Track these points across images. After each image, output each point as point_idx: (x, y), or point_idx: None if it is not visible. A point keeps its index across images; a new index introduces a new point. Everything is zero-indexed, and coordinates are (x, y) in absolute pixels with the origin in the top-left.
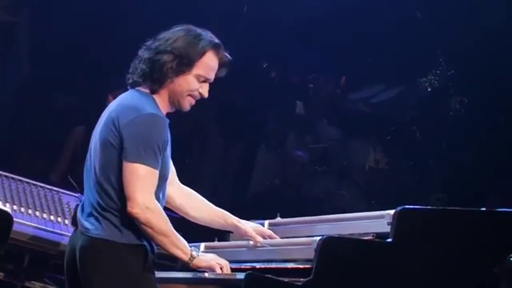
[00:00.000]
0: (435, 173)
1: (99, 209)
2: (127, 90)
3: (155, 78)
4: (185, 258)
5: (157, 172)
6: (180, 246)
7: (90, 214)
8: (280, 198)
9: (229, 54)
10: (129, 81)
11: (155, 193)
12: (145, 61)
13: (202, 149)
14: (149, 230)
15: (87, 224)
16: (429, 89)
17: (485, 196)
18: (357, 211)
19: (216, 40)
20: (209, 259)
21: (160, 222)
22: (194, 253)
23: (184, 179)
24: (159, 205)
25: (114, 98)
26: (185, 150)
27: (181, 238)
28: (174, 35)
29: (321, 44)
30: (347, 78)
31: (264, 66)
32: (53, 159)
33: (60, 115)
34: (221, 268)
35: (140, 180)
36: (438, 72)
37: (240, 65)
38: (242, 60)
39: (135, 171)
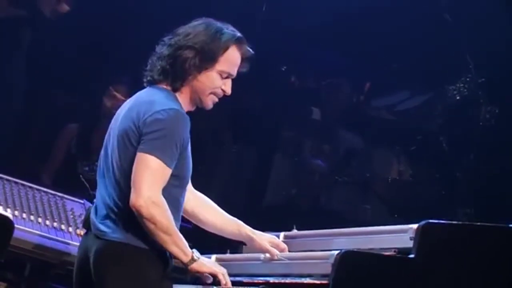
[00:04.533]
0: (463, 187)
1: (116, 211)
2: (129, 84)
3: (177, 75)
4: (186, 259)
5: (169, 170)
6: (181, 247)
7: (106, 216)
8: (296, 209)
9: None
10: (148, 79)
11: (176, 196)
12: (165, 58)
13: (215, 155)
14: (151, 226)
15: (103, 227)
16: (457, 97)
17: None
18: (378, 225)
19: (239, 34)
20: (211, 265)
21: (164, 219)
22: (195, 255)
23: (195, 186)
24: (165, 201)
25: (117, 91)
26: (196, 156)
27: (183, 238)
28: (194, 29)
29: (343, 47)
30: (370, 84)
31: (283, 69)
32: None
33: (62, 117)
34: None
35: (151, 173)
36: (467, 79)
37: (256, 68)
38: (259, 63)
39: (148, 162)
